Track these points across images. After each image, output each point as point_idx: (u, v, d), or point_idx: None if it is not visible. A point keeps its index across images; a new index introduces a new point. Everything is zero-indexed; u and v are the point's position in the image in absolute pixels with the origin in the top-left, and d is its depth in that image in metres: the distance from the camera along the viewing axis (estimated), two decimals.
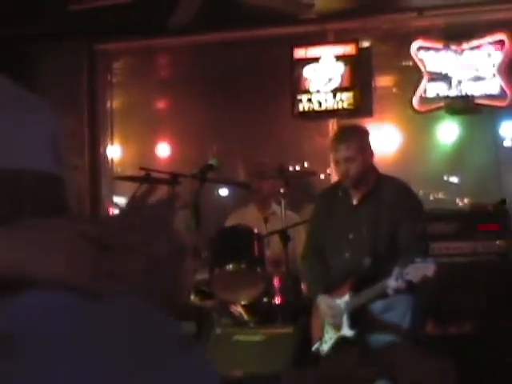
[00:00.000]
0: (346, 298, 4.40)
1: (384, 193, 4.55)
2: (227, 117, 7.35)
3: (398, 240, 4.43)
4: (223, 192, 8.22)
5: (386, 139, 6.76)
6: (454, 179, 7.43)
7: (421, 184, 6.52)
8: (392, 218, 4.45)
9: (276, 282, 5.43)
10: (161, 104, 8.23)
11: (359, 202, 4.61)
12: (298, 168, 6.87)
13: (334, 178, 6.69)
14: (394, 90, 7.30)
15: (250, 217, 6.14)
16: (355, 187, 4.59)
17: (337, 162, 4.58)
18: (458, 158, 7.10)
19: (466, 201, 7.09)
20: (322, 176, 7.09)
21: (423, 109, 6.73)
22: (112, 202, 7.44)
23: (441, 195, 7.27)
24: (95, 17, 7.09)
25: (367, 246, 4.48)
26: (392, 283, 4.08)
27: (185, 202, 5.33)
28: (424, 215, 4.68)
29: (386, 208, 4.49)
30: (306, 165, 7.17)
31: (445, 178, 7.39)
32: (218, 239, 5.42)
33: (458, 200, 7.20)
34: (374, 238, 4.48)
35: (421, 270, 4.02)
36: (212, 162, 5.33)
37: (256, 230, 5.52)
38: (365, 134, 4.71)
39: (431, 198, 7.16)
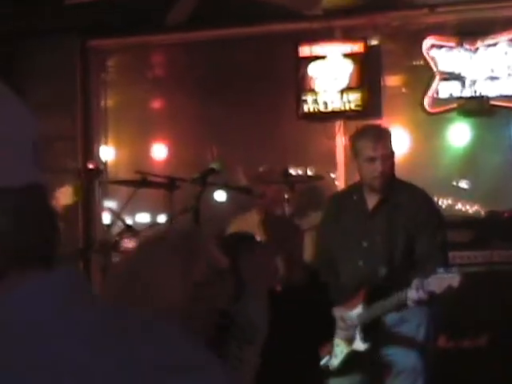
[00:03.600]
0: (359, 309, 4.24)
1: (401, 199, 4.38)
2: (227, 118, 7.19)
3: (416, 249, 4.28)
4: (220, 197, 7.97)
5: (394, 141, 6.58)
6: (466, 184, 7.29)
7: (431, 189, 6.30)
8: (409, 226, 4.29)
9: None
10: (156, 103, 8.07)
11: (374, 208, 4.41)
12: (301, 172, 6.71)
13: (340, 182, 6.60)
14: (404, 90, 7.14)
15: (251, 223, 5.96)
16: (377, 190, 4.39)
17: (371, 160, 4.33)
18: (470, 161, 6.96)
19: (476, 207, 6.95)
20: (328, 180, 6.92)
21: (435, 110, 6.58)
22: (104, 206, 7.25)
23: (451, 201, 7.12)
24: (88, 12, 6.93)
25: (382, 255, 4.31)
26: (413, 294, 3.96)
27: (184, 207, 5.18)
28: (444, 224, 4.52)
29: (403, 215, 4.33)
30: (311, 169, 7.01)
31: (455, 183, 7.25)
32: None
33: (469, 206, 7.04)
34: (390, 247, 4.31)
35: (446, 280, 3.91)
36: (214, 165, 5.20)
37: (258, 238, 5.33)
38: None
39: (441, 203, 6.98)
